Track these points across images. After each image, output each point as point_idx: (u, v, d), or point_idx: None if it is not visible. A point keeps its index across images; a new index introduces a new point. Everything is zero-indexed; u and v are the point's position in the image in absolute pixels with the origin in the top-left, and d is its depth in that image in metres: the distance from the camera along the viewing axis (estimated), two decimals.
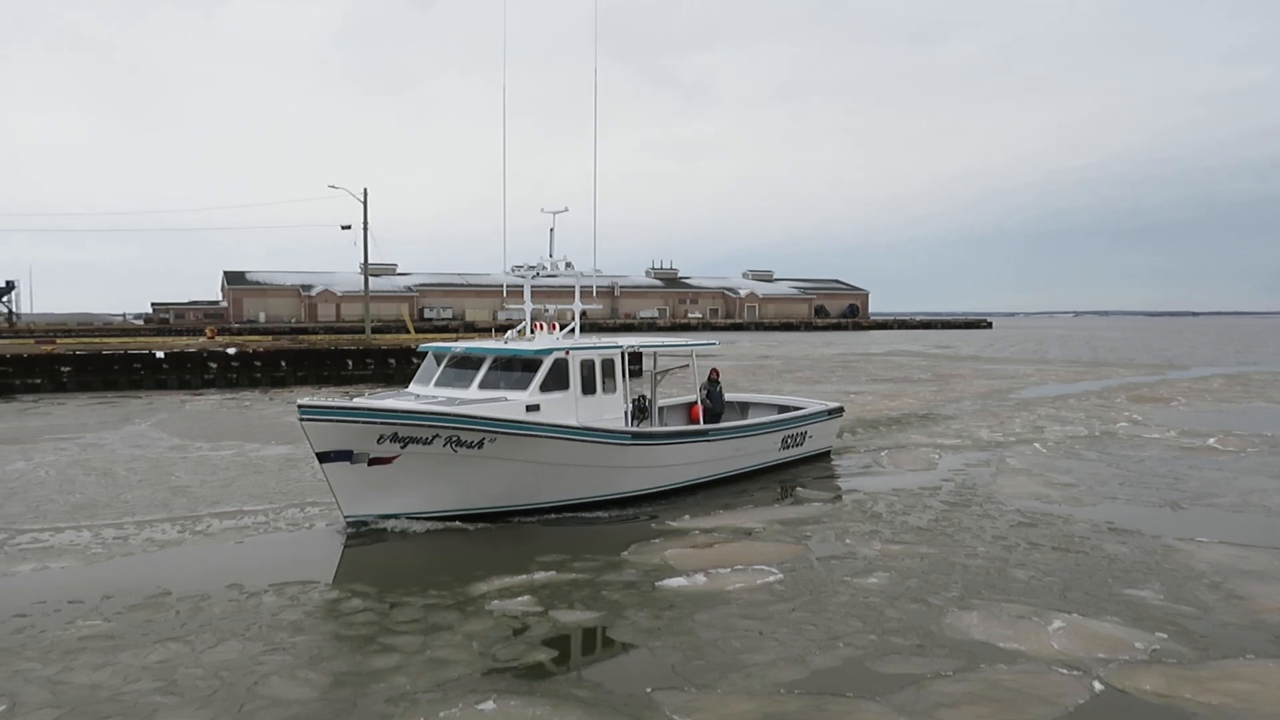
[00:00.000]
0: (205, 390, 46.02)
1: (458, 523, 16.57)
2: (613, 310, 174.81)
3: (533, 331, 19.91)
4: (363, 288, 73.56)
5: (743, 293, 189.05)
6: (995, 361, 70.52)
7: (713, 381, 22.89)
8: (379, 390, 22.91)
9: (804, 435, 23.32)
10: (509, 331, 20.07)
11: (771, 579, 13.58)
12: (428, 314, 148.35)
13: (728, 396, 25.30)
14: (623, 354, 19.02)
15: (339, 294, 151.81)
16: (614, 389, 18.66)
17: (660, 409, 22.48)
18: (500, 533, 16.28)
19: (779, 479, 21.44)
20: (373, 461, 15.58)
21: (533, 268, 20.75)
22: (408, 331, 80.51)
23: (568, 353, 17.82)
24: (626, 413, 18.99)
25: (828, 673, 10.28)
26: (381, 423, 15.40)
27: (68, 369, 46.01)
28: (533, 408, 17.01)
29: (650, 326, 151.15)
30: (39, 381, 44.98)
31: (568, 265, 20.57)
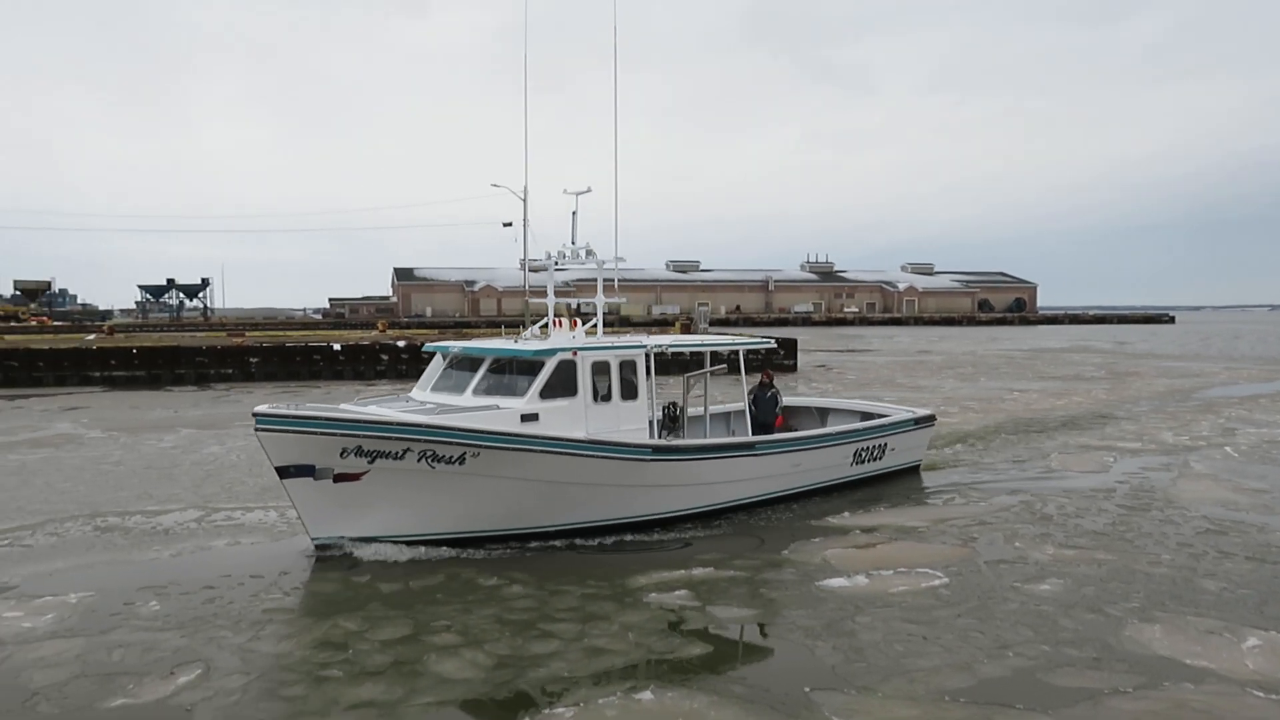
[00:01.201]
0: (377, 381, 48.30)
1: (448, 549, 14.53)
2: (766, 304, 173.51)
3: (545, 328, 17.55)
4: (522, 283, 75.64)
5: (901, 286, 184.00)
6: (1178, 359, 66.05)
7: (764, 386, 20.01)
8: (396, 392, 19.86)
9: (883, 448, 20.16)
10: (530, 328, 17.89)
11: (936, 582, 13.12)
12: (584, 308, 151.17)
13: (805, 401, 23.60)
14: (647, 355, 16.50)
15: (500, 289, 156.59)
16: (635, 395, 16.18)
17: (712, 417, 19.29)
18: (652, 525, 16.33)
19: (912, 486, 20.51)
20: (338, 478, 13.67)
21: (550, 257, 18.22)
22: None
23: (575, 353, 15.45)
24: (653, 422, 16.82)
25: (996, 682, 9.84)
26: (342, 434, 13.39)
27: (255, 360, 49.31)
28: (529, 417, 14.78)
29: (805, 321, 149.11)
30: (230, 371, 48.37)
31: (588, 253, 17.90)
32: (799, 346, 57.08)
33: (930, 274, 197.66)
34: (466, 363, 16.20)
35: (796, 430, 19.91)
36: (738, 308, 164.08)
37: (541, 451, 14.38)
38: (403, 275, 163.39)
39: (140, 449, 24.79)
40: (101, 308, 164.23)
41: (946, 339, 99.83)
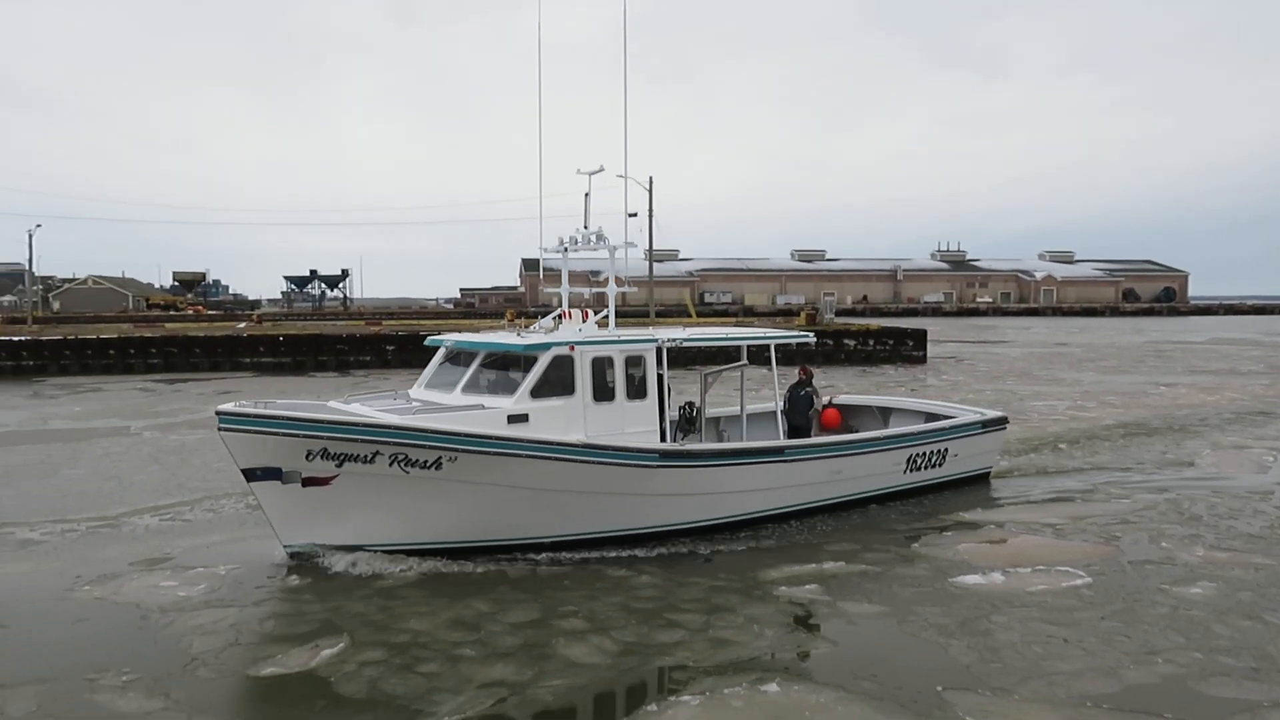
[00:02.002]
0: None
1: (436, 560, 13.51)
2: (894, 294, 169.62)
3: (559, 320, 15.79)
4: (647, 273, 76.02)
5: (1038, 275, 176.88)
6: None
7: (800, 384, 18.04)
8: (397, 388, 17.37)
9: (942, 453, 18.06)
10: (542, 319, 16.15)
11: (1077, 582, 12.58)
12: (708, 298, 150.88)
13: (866, 400, 22.20)
14: (659, 350, 15.00)
15: (624, 279, 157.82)
16: (644, 394, 14.73)
17: (751, 418, 17.87)
18: (785, 518, 16.17)
19: (1040, 483, 19.65)
20: (306, 481, 12.81)
21: (562, 243, 16.61)
22: (689, 315, 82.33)
23: (573, 348, 14.12)
24: (671, 424, 15.53)
25: (1143, 689, 9.37)
26: (306, 435, 12.51)
27: (391, 348, 51.21)
28: (518, 418, 13.56)
29: (935, 312, 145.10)
30: (368, 359, 50.41)
31: (599, 239, 16.33)
32: (928, 337, 55.57)
33: (1070, 262, 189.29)
34: (461, 358, 15.05)
35: (857, 432, 18.55)
36: (864, 298, 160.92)
37: (529, 456, 13.13)
38: (530, 265, 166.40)
39: None
40: (250, 297, 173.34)
41: (1087, 330, 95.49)
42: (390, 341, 51.76)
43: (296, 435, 12.47)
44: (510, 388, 13.94)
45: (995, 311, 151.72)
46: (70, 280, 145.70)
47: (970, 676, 9.66)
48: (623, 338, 14.93)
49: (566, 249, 16.36)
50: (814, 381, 18.05)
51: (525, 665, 9.93)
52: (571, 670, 9.85)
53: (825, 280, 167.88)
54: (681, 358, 16.25)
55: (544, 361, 13.90)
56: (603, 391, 14.27)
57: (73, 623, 11.38)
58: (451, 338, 15.58)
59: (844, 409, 20.27)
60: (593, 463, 13.58)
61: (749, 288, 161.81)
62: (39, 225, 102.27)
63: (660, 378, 14.98)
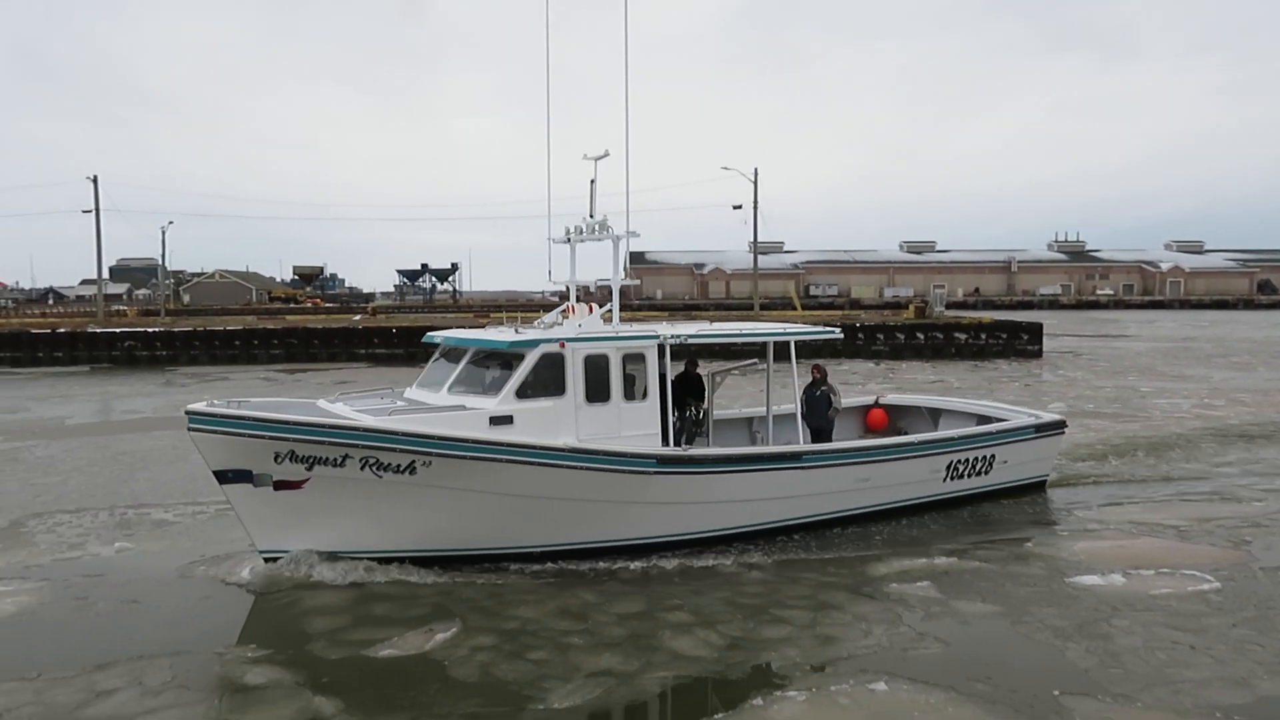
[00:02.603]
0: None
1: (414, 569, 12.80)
2: (1008, 287, 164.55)
3: (564, 314, 15.00)
4: (751, 265, 75.60)
5: (1164, 266, 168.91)
6: None
7: (815, 383, 16.48)
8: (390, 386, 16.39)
9: (988, 459, 16.57)
10: (548, 314, 15.19)
11: (1205, 587, 12.03)
12: (813, 290, 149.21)
13: (915, 401, 20.67)
14: (661, 347, 13.98)
15: (729, 272, 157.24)
16: (644, 395, 13.78)
17: (778, 419, 16.52)
18: (894, 514, 15.89)
19: (1160, 484, 18.58)
20: (278, 485, 12.30)
21: (568, 233, 15.46)
22: (794, 308, 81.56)
23: (563, 345, 13.25)
24: (672, 427, 14.32)
25: (1278, 702, 8.91)
26: (272, 437, 11.96)
27: None
28: (501, 420, 12.71)
29: (1051, 304, 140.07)
30: None
31: (602, 227, 15.15)
32: (1044, 331, 53.73)
33: (1199, 252, 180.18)
34: (453, 355, 14.28)
35: (906, 434, 17.49)
36: (976, 290, 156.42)
37: (510, 461, 12.38)
38: (634, 259, 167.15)
39: None
40: (365, 290, 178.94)
41: (1218, 323, 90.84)
42: None
43: (263, 437, 11.96)
44: (497, 387, 13.13)
45: (1117, 304, 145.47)
46: (199, 274, 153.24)
47: (1089, 682, 9.34)
48: (621, 334, 13.92)
49: (571, 239, 15.31)
50: (830, 381, 16.56)
51: (632, 656, 10.04)
52: (678, 662, 9.92)
53: (935, 272, 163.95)
54: (705, 354, 15.77)
55: (531, 359, 13.07)
56: (597, 392, 13.33)
57: (200, 599, 12.09)
58: (444, 334, 14.81)
59: (891, 410, 19.30)
60: (582, 469, 12.75)
61: (855, 280, 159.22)
62: (171, 222, 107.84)
63: (663, 377, 14.12)
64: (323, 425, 12.05)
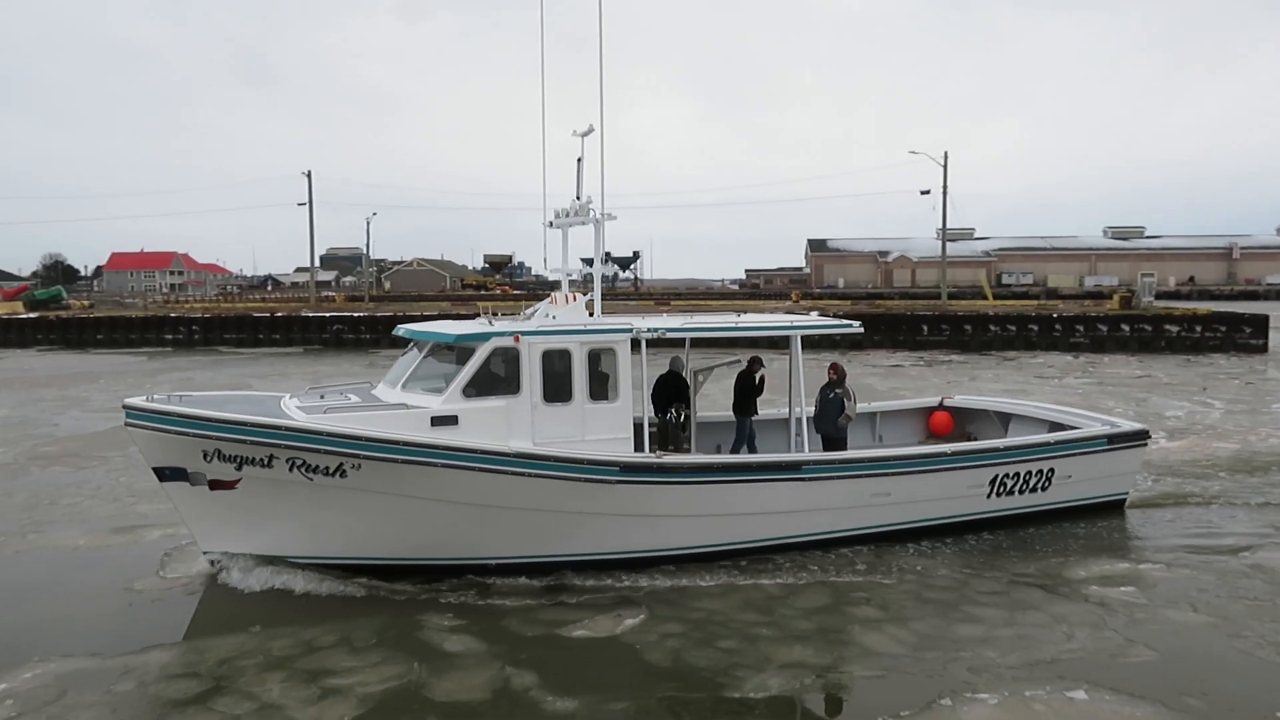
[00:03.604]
0: (807, 351, 49.41)
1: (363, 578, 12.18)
2: (1229, 275, 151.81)
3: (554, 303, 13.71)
4: (939, 253, 73.13)
5: None
6: None
7: (829, 385, 14.78)
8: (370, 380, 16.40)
9: (1045, 474, 14.58)
10: (538, 304, 13.78)
11: None
12: (1005, 279, 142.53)
13: (983, 403, 18.42)
14: (635, 342, 12.79)
15: (914, 259, 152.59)
16: (612, 395, 12.58)
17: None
18: (1095, 509, 15.12)
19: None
20: (213, 484, 11.78)
21: (557, 216, 14.27)
22: (985, 297, 78.32)
23: (517, 338, 12.16)
24: (644, 431, 12.74)
25: None
26: (197, 435, 11.36)
27: None
28: (444, 420, 11.74)
29: None
30: None
31: (584, 210, 13.90)
32: (1270, 324, 49.35)
33: None
34: (416, 349, 13.36)
35: (975, 440, 15.97)
36: (1191, 279, 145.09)
37: (447, 466, 11.43)
38: (816, 246, 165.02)
39: None
40: (551, 279, 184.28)
41: None
42: None
43: (189, 434, 11.42)
44: (445, 385, 12.21)
45: None
46: (399, 263, 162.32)
47: None
48: (587, 326, 12.76)
49: (553, 223, 14.27)
50: (846, 382, 14.79)
51: (822, 650, 10.07)
52: (868, 658, 9.89)
53: (1143, 259, 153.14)
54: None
55: (481, 354, 12.07)
56: (556, 390, 12.25)
57: None
58: (407, 326, 13.69)
59: (957, 412, 17.65)
60: (532, 476, 11.69)
61: (1052, 268, 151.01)
62: (375, 213, 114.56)
63: (685, 379, 13.20)
64: (245, 424, 11.38)
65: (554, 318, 12.92)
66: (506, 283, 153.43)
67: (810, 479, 13.01)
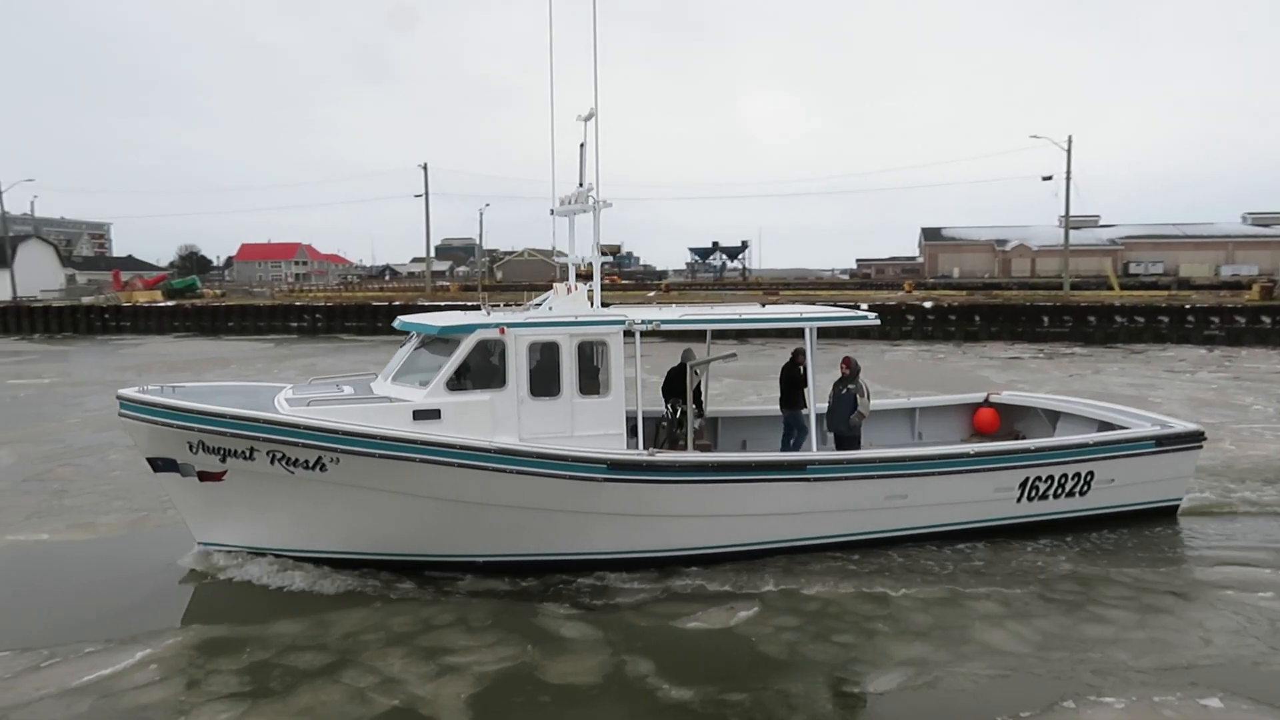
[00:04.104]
0: (902, 341, 48.48)
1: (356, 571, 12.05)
2: None
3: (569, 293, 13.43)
4: (1061, 241, 70.43)
5: None
6: None
7: (843, 379, 13.98)
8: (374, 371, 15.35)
9: (1085, 477, 13.63)
10: (543, 295, 13.54)
11: None
12: (1133, 268, 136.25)
13: (1031, 400, 17.09)
14: (629, 333, 12.34)
15: (1034, 248, 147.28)
16: (604, 390, 12.19)
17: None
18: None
19: None
20: (202, 476, 11.82)
21: (562, 204, 13.79)
22: (1110, 288, 75.04)
23: (503, 330, 11.81)
24: (639, 428, 12.52)
25: None
26: (181, 426, 11.43)
27: None
28: (426, 414, 11.50)
29: None
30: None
31: (584, 197, 13.38)
32: None
33: None
34: (410, 340, 13.04)
35: (1024, 439, 15.08)
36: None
37: (426, 461, 11.20)
38: (930, 235, 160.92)
39: None
40: (658, 268, 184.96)
41: None
42: None
43: (173, 426, 11.53)
44: (430, 377, 11.97)
45: None
46: (510, 253, 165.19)
47: None
48: (578, 318, 12.30)
49: (555, 211, 13.90)
50: (860, 378, 13.98)
51: (941, 646, 9.85)
52: (990, 655, 9.63)
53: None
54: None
55: (466, 346, 11.78)
56: (544, 384, 11.92)
57: None
58: (403, 318, 13.32)
59: (1004, 409, 16.64)
60: (515, 473, 11.35)
61: (1185, 256, 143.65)
62: (488, 204, 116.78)
63: (701, 373, 12.72)
64: (224, 416, 11.38)
65: (551, 307, 12.72)
66: (615, 272, 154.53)
67: (816, 479, 12.40)
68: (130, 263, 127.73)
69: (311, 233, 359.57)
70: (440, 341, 12.23)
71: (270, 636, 10.19)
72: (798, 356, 14.06)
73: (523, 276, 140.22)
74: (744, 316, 14.15)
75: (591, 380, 12.13)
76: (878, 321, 14.52)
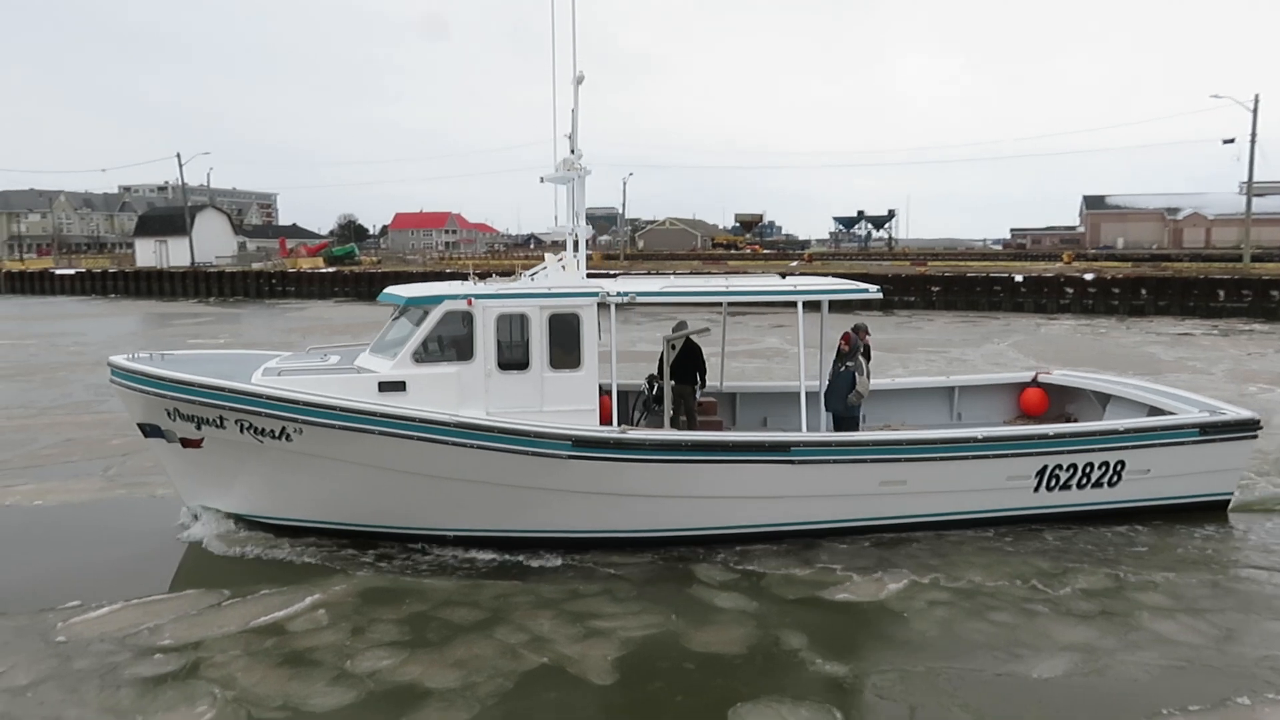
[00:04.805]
0: (1060, 315, 46.30)
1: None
2: None
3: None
4: (1242, 210, 65.58)
5: None
6: None
7: (842, 356, 13.01)
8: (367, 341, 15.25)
9: (1115, 466, 12.46)
10: (538, 267, 13.29)
11: None
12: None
13: (1081, 381, 15.53)
14: (603, 306, 11.95)
15: (1210, 217, 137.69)
16: (576, 364, 11.82)
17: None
18: None
19: None
20: (184, 443, 12.03)
21: (557, 172, 13.28)
22: None
23: (470, 302, 11.57)
24: (613, 403, 11.81)
25: None
26: (157, 394, 11.71)
27: (936, 289, 50.68)
28: (391, 386, 11.42)
29: None
30: (912, 299, 50.51)
31: (569, 165, 13.00)
32: None
33: None
34: (392, 312, 12.86)
35: (1075, 420, 13.77)
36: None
37: (384, 434, 11.10)
38: (1092, 203, 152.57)
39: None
40: (801, 238, 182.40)
41: None
42: (935, 282, 51.22)
43: (151, 393, 11.87)
44: (399, 349, 11.88)
45: None
46: (652, 222, 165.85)
47: None
48: (551, 290, 11.97)
49: (544, 179, 13.47)
50: (859, 356, 13.02)
51: (1107, 632, 9.43)
52: (1159, 645, 9.16)
53: None
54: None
55: (434, 318, 11.63)
56: (513, 358, 11.69)
57: None
58: (387, 290, 12.94)
59: (1054, 390, 15.40)
60: (477, 447, 11.12)
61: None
62: (631, 174, 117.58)
63: (681, 351, 12.44)
64: (192, 384, 11.57)
65: (533, 278, 12.55)
66: (757, 241, 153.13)
67: (800, 462, 11.72)
68: (295, 231, 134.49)
69: (461, 202, 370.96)
70: (414, 313, 12.11)
71: (427, 590, 10.62)
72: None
73: (664, 245, 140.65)
74: (728, 290, 13.58)
75: (563, 353, 11.82)
76: (879, 295, 13.30)
